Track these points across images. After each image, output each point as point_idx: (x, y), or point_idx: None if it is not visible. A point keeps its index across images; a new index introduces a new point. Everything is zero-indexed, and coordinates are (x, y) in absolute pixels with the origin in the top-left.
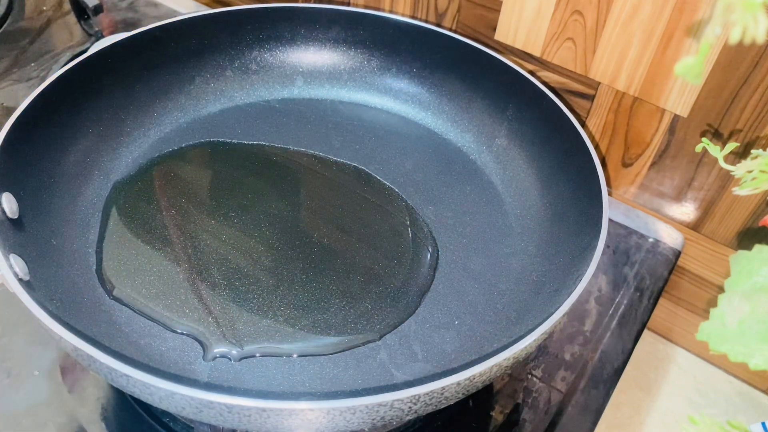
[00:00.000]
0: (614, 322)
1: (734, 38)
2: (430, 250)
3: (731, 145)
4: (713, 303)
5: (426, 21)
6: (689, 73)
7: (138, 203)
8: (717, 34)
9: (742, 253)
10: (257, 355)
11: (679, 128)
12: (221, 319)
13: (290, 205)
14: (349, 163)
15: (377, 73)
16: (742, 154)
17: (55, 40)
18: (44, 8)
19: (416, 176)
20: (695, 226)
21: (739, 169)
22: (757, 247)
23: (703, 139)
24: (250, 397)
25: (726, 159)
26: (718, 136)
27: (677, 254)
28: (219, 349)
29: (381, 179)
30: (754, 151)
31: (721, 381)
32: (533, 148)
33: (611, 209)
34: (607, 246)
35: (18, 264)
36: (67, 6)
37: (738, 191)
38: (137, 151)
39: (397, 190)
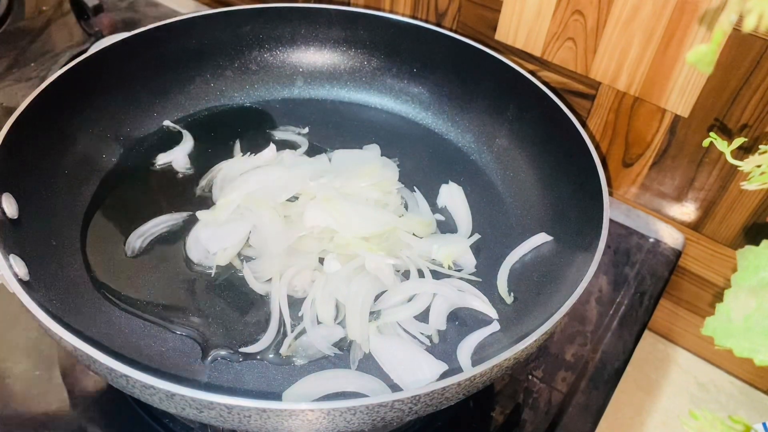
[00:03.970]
0: (615, 323)
1: (749, 25)
2: None
3: (739, 140)
4: (714, 303)
5: (426, 21)
6: (701, 62)
7: (138, 203)
8: (732, 21)
9: (750, 249)
10: (257, 356)
11: (680, 128)
12: (220, 320)
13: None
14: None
15: (377, 73)
16: (744, 153)
17: (55, 40)
18: (44, 8)
19: (416, 176)
20: (696, 227)
21: (746, 165)
22: (765, 243)
23: (711, 133)
24: (251, 398)
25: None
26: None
27: (678, 254)
28: (217, 351)
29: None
30: (762, 147)
31: (722, 381)
32: (534, 149)
33: (612, 209)
34: (607, 246)
35: (18, 264)
36: (67, 6)
37: (746, 186)
38: (137, 152)
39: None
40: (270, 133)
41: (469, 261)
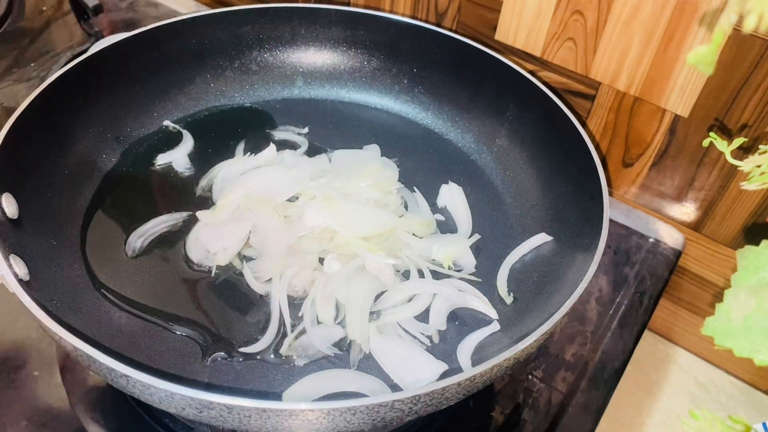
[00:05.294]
0: (615, 323)
1: (749, 26)
2: None
3: (739, 140)
4: (714, 303)
5: (426, 21)
6: (702, 62)
7: (138, 203)
8: (732, 21)
9: (750, 249)
10: (257, 356)
11: (680, 128)
12: (220, 320)
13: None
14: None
15: (377, 73)
16: (744, 153)
17: (55, 40)
18: (44, 8)
19: (416, 176)
20: (696, 227)
21: (746, 165)
22: (765, 243)
23: (711, 133)
24: (251, 398)
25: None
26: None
27: (678, 254)
28: (217, 351)
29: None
30: (762, 147)
31: (722, 381)
32: (534, 149)
33: (612, 209)
34: (607, 246)
35: (18, 264)
36: (67, 6)
37: (746, 186)
38: (137, 152)
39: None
40: (270, 133)
41: (469, 261)
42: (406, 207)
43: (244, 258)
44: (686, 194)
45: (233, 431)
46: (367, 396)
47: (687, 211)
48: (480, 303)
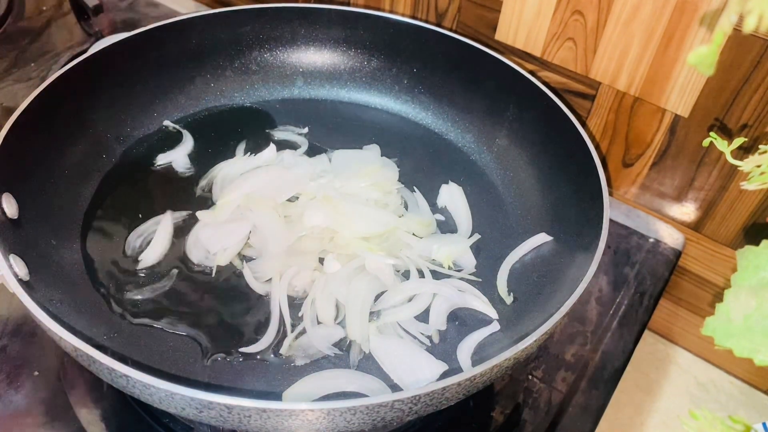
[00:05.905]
0: (615, 323)
1: (749, 26)
2: None
3: (739, 140)
4: (714, 303)
5: (426, 21)
6: (702, 63)
7: (138, 203)
8: (732, 21)
9: (750, 248)
10: (257, 356)
11: (680, 128)
12: (220, 320)
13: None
14: None
15: (377, 73)
16: (744, 153)
17: (55, 40)
18: (44, 8)
19: (416, 176)
20: (696, 227)
21: (746, 165)
22: (765, 243)
23: (711, 133)
24: (251, 398)
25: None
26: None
27: (678, 254)
28: (217, 351)
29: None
30: (762, 147)
31: (722, 381)
32: (534, 149)
33: (612, 209)
34: (607, 246)
35: (18, 264)
36: (67, 6)
37: (746, 186)
38: (137, 152)
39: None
40: (270, 133)
41: (469, 261)
42: (406, 207)
43: (244, 258)
44: (686, 194)
45: (233, 431)
46: (367, 396)
47: (687, 211)
48: (480, 303)
